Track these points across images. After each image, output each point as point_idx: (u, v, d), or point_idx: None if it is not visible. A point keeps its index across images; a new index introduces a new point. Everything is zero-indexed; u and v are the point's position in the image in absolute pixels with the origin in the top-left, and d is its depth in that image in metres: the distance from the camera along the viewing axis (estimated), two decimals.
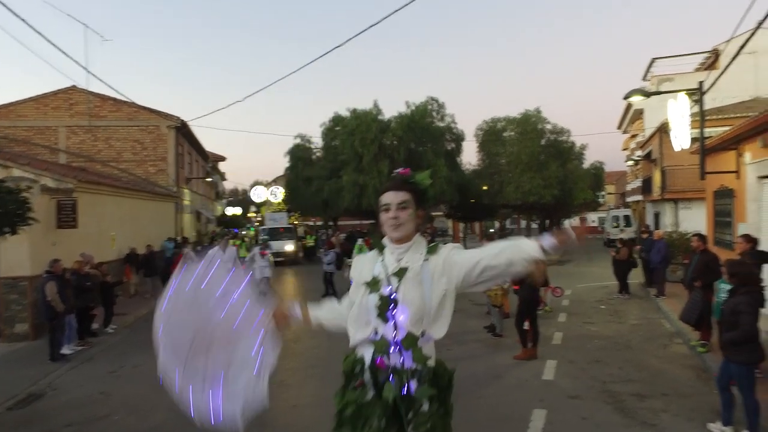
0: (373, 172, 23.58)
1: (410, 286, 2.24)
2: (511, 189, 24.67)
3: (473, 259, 2.25)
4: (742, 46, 8.70)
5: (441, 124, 26.18)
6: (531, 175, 24.14)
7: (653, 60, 30.38)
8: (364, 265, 2.41)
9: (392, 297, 2.23)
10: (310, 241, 28.83)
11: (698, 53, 29.88)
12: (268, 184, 53.05)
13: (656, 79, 29.37)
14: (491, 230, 31.33)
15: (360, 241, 15.58)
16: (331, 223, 34.56)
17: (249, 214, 60.11)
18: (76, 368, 8.30)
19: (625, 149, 43.07)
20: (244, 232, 36.47)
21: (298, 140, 28.60)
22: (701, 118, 10.86)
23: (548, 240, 2.20)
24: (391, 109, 36.25)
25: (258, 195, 47.38)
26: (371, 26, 10.04)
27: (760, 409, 4.73)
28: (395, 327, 2.22)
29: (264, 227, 27.63)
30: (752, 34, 8.15)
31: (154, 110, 23.89)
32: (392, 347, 2.22)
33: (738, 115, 17.58)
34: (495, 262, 2.22)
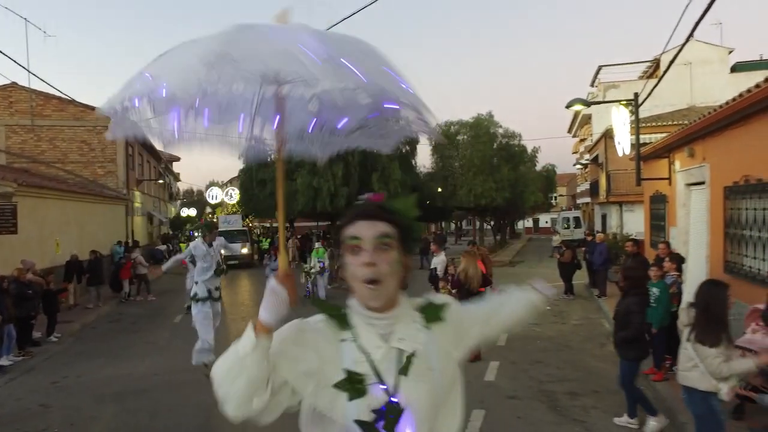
0: (327, 174, 23.63)
1: (417, 379, 1.43)
2: (464, 192, 25.23)
3: (483, 315, 1.74)
4: (671, 61, 9.27)
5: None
6: (483, 178, 24.76)
7: (600, 68, 31.54)
8: (314, 351, 1.42)
9: (392, 403, 1.40)
10: (265, 244, 28.60)
11: (641, 62, 31.21)
12: (224, 185, 52.28)
13: (603, 86, 30.53)
14: (436, 234, 31.89)
15: (317, 244, 15.56)
16: (287, 225, 34.39)
17: (204, 216, 59.06)
18: (15, 380, 8.07)
19: (575, 153, 44.49)
20: (197, 235, 35.84)
21: (252, 141, 28.31)
22: (636, 126, 11.45)
23: (542, 286, 1.88)
24: None
25: (213, 196, 46.65)
26: (328, 29, 10.15)
27: (641, 397, 5.42)
28: None
29: (218, 230, 27.19)
30: (680, 50, 8.69)
31: None
32: None
33: (673, 123, 18.54)
34: (503, 316, 1.78)
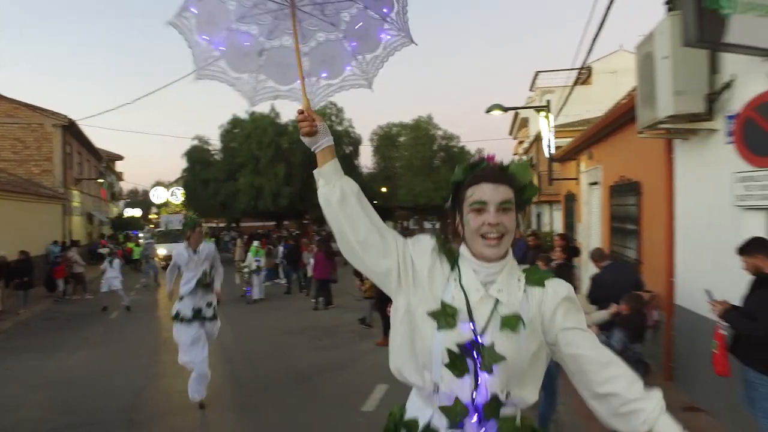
0: (269, 174, 24.06)
1: (504, 330, 1.51)
2: (404, 192, 26.17)
3: (581, 343, 1.53)
4: (580, 73, 10.29)
5: (339, 128, 27.19)
6: (422, 179, 25.77)
7: (537, 73, 33.09)
8: (428, 269, 1.59)
9: (477, 342, 1.49)
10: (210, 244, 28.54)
11: (574, 69, 32.89)
12: (169, 185, 51.47)
13: (540, 91, 32.09)
14: None
15: (256, 243, 15.82)
16: (233, 225, 34.43)
17: (150, 216, 57.92)
18: None
19: (515, 154, 46.23)
20: (141, 235, 35.33)
21: (195, 142, 28.46)
22: (550, 131, 12.49)
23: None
24: (290, 113, 36.78)
25: (158, 196, 45.96)
26: None
27: None
28: (474, 385, 1.49)
29: (159, 229, 26.91)
30: (582, 64, 9.71)
31: (38, 107, 22.84)
32: (471, 415, 1.50)
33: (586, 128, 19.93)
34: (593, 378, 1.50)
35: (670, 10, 4.73)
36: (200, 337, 6.01)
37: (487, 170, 1.56)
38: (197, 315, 6.02)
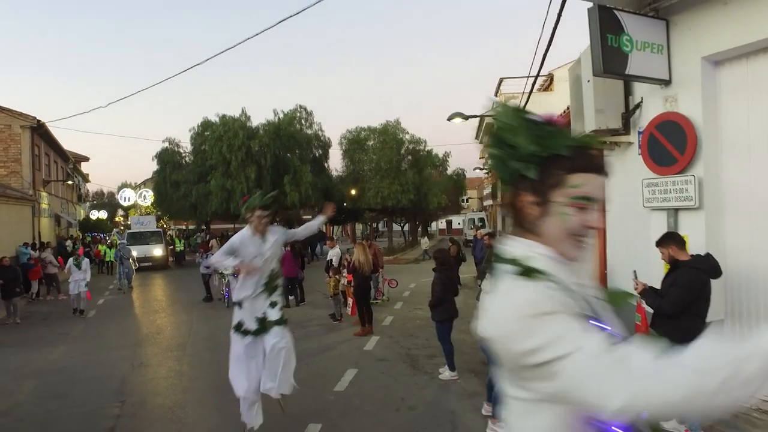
0: (240, 177, 24.50)
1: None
2: (372, 194, 26.97)
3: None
4: (534, 82, 11.20)
5: (309, 132, 27.83)
6: (389, 181, 26.60)
7: (501, 80, 34.30)
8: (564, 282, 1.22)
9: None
10: (179, 246, 28.65)
11: (536, 76, 34.15)
12: (137, 187, 51.08)
13: (504, 96, 33.29)
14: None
15: None
16: (203, 227, 34.63)
17: (117, 218, 57.28)
18: None
19: (482, 158, 47.50)
20: (114, 236, 35.17)
21: (166, 144, 28.67)
22: None
23: None
24: (261, 116, 37.15)
25: (126, 198, 45.64)
26: (236, 44, 11.24)
27: (453, 351, 7.07)
28: None
29: (130, 231, 26.84)
30: (538, 72, 10.62)
31: (5, 108, 22.79)
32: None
33: None
34: None
35: None
36: (258, 350, 4.83)
37: (599, 159, 1.29)
38: (264, 326, 4.77)
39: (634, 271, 4.72)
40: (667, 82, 4.94)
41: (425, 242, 28.30)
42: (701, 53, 4.68)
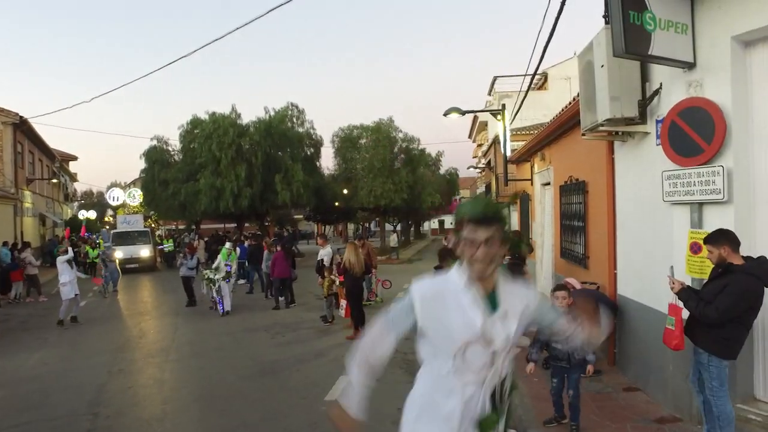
0: (230, 175, 23.93)
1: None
2: (364, 193, 26.45)
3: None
4: (530, 86, 10.79)
5: (300, 130, 27.26)
6: (383, 180, 26.10)
7: (495, 78, 33.94)
8: None
9: None
10: (168, 246, 27.61)
11: (531, 74, 33.89)
12: (126, 186, 50.30)
13: (498, 95, 32.94)
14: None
15: (228, 245, 14.75)
16: (193, 227, 34.01)
17: (105, 218, 56.39)
18: None
19: (475, 157, 47.20)
20: (98, 238, 34.39)
21: (154, 142, 28.00)
22: (504, 134, 13.01)
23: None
24: (252, 113, 36.46)
25: (115, 197, 44.82)
26: (220, 37, 10.80)
27: None
28: None
29: (116, 230, 25.82)
30: (535, 70, 10.21)
31: None
32: None
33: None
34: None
35: (606, 22, 5.16)
36: None
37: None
38: None
39: (671, 267, 4.28)
40: (691, 65, 4.51)
41: (393, 239, 28.01)
42: (731, 32, 4.26)
